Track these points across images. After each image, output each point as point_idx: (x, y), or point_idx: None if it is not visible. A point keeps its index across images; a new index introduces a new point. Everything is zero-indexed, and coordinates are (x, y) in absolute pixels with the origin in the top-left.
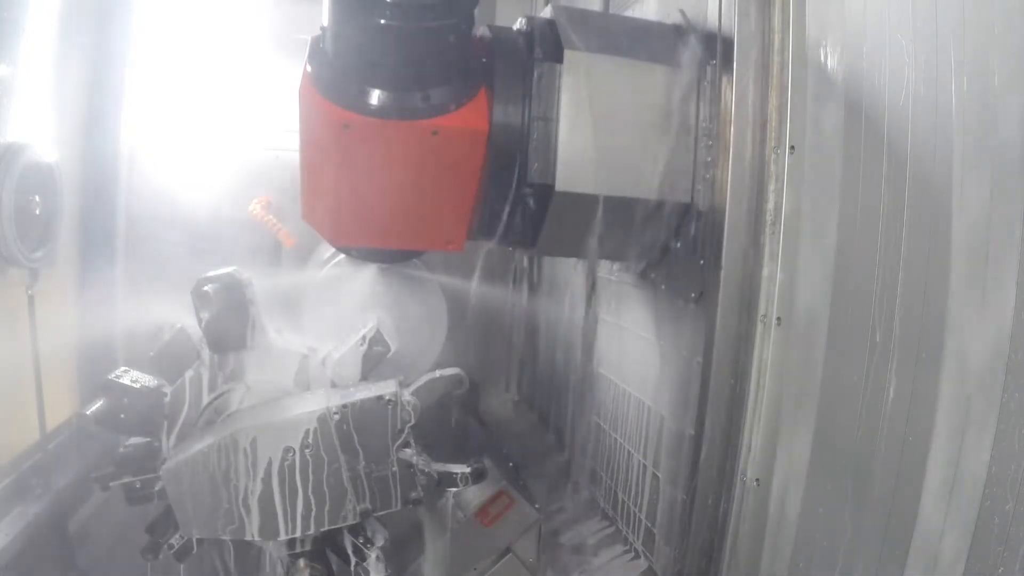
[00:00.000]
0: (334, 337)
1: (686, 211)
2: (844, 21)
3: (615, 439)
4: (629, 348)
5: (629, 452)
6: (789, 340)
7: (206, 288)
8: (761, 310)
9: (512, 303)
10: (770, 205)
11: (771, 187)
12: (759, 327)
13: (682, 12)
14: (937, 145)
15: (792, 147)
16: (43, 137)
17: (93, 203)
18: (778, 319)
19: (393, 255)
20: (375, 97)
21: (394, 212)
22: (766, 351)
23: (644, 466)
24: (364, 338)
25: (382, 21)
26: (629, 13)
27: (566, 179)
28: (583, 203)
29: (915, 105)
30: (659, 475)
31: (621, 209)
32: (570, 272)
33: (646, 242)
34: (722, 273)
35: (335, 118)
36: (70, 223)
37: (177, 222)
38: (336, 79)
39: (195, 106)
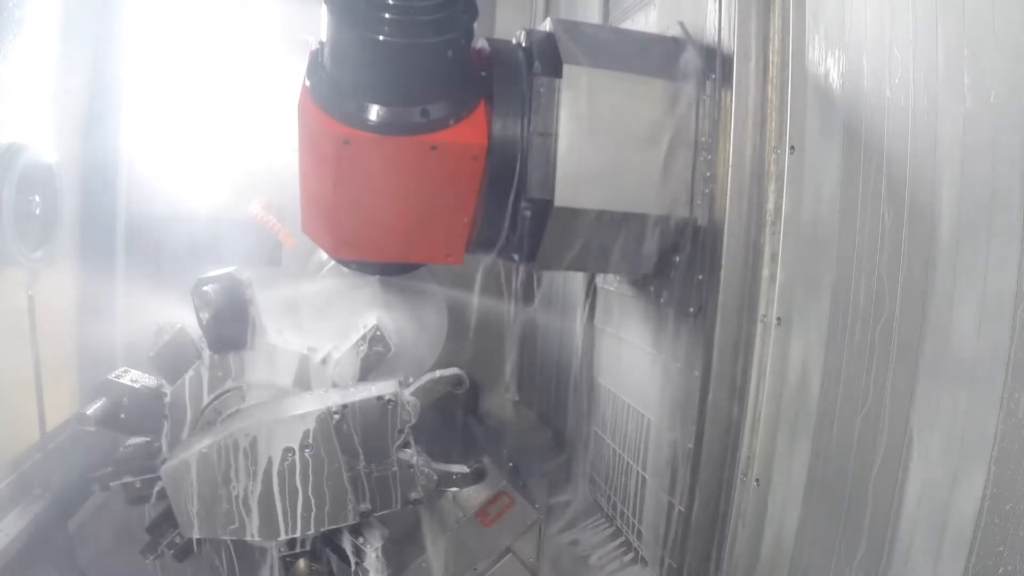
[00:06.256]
0: (334, 337)
1: (685, 225)
2: (844, 21)
3: (613, 449)
4: (627, 359)
5: (628, 463)
6: (789, 340)
7: (206, 288)
8: (761, 310)
9: (513, 305)
10: (770, 205)
11: (771, 187)
12: (759, 327)
13: (681, 24)
14: (937, 145)
15: (792, 147)
16: (43, 137)
17: (93, 203)
18: (778, 319)
19: (392, 268)
20: (374, 112)
21: (393, 226)
22: (766, 351)
23: (643, 477)
24: (364, 338)
25: (381, 37)
26: (629, 24)
27: (565, 194)
28: (582, 218)
29: (915, 105)
30: (656, 484)
31: (620, 224)
32: (570, 279)
33: (645, 256)
34: (722, 273)
35: (335, 134)
36: (70, 223)
37: (177, 222)
38: (335, 94)
39: (195, 105)
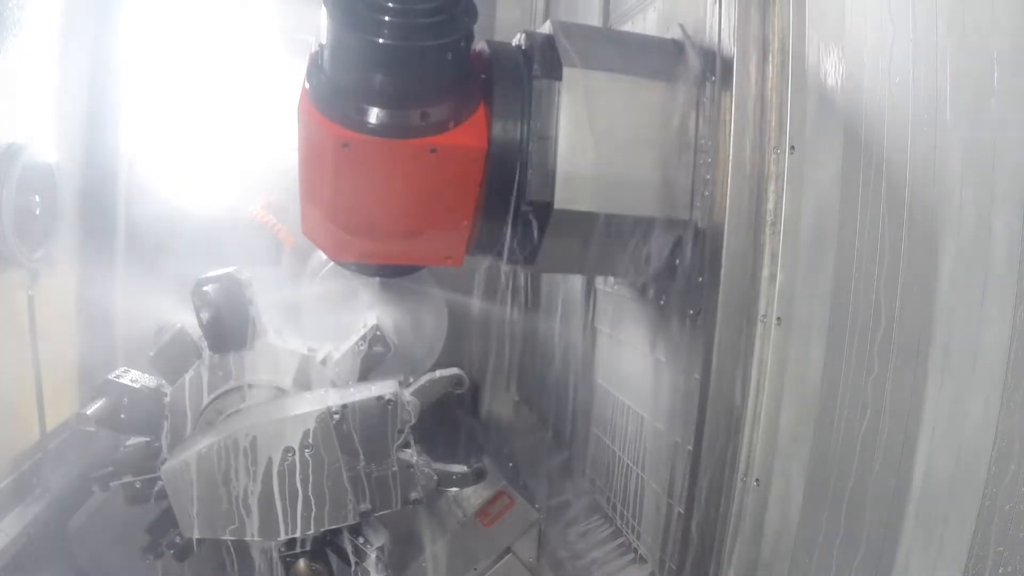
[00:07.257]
0: (334, 337)
1: (685, 228)
2: (844, 21)
3: (613, 450)
4: (627, 360)
5: (628, 464)
6: (789, 340)
7: (206, 288)
8: (761, 310)
9: (513, 306)
10: (770, 205)
11: (771, 187)
12: (759, 327)
13: (681, 26)
14: (937, 145)
15: (792, 147)
16: (43, 137)
17: (93, 203)
18: (778, 319)
19: (392, 270)
20: (374, 115)
21: (393, 228)
22: (766, 351)
23: (642, 478)
24: (364, 338)
25: (380, 40)
26: (628, 26)
27: (565, 197)
28: (582, 221)
29: (915, 106)
30: (656, 485)
31: (620, 227)
32: (570, 280)
33: (645, 259)
34: (722, 274)
35: (334, 137)
36: (70, 223)
37: (177, 222)
38: (335, 97)
39: (195, 105)
